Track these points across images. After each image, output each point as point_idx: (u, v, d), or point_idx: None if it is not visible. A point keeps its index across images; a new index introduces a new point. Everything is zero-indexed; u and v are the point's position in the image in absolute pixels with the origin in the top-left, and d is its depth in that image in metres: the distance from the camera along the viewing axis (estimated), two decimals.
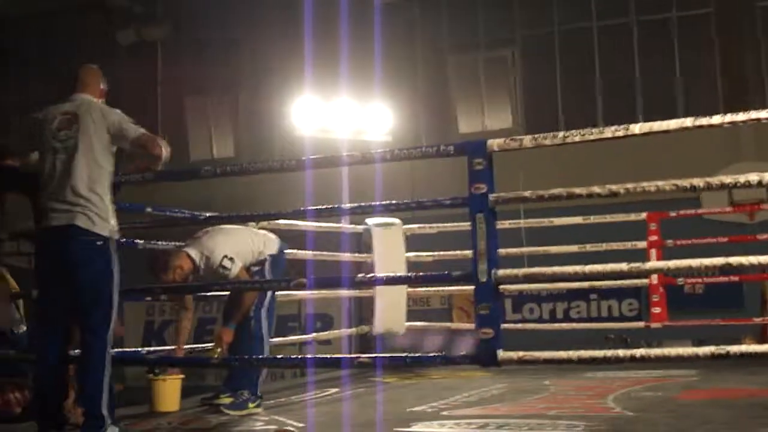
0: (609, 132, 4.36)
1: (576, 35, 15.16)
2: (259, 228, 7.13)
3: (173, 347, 6.98)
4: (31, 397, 6.18)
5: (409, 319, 9.17)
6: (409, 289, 9.40)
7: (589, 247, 8.91)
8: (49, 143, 4.94)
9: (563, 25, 15.24)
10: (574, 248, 8.97)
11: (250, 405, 5.91)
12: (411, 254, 9.18)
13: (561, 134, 4.46)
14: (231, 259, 5.83)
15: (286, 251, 6.51)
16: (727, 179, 4.15)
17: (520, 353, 4.41)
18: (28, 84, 16.61)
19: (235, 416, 5.77)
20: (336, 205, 5.75)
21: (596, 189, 4.38)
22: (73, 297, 4.86)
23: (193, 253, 5.87)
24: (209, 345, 6.76)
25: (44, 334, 5.05)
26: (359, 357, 5.23)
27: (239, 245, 6.05)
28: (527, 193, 4.59)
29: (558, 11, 15.27)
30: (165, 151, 5.02)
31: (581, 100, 14.94)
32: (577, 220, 9.13)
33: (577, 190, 4.42)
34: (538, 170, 11.04)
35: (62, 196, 4.85)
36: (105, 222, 4.88)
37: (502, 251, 4.58)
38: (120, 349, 5.24)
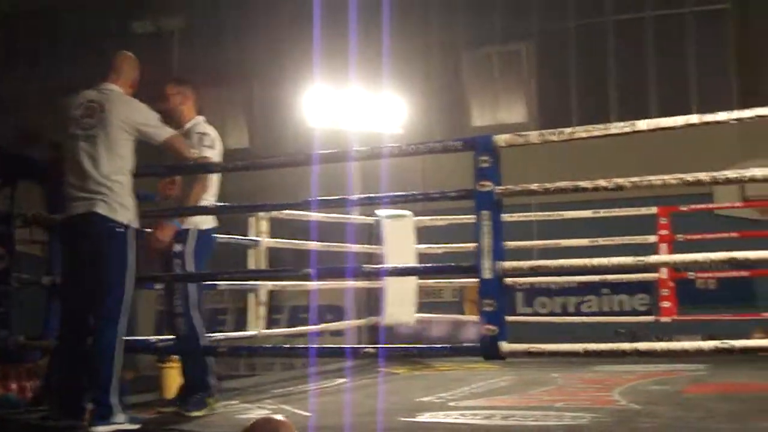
0: (615, 128, 4.39)
1: (590, 30, 15.17)
2: (269, 219, 7.12)
3: None
4: (41, 384, 6.24)
5: (420, 311, 9.20)
6: (421, 281, 9.43)
7: (600, 241, 8.92)
8: (71, 129, 4.99)
9: (578, 19, 15.26)
10: (584, 242, 8.97)
11: (208, 400, 5.46)
12: (422, 246, 9.20)
13: (567, 130, 4.50)
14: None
15: (216, 237, 5.84)
16: (732, 174, 4.17)
17: (525, 345, 4.45)
18: (41, 76, 16.68)
19: (198, 415, 5.31)
20: (345, 197, 5.74)
21: (602, 182, 4.41)
22: (90, 283, 4.90)
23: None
24: None
25: (66, 321, 5.10)
26: (365, 348, 5.23)
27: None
28: (534, 186, 4.62)
29: (572, 6, 15.28)
30: (192, 153, 5.24)
31: (595, 94, 14.93)
32: (587, 213, 9.11)
33: (583, 183, 4.45)
34: (549, 165, 11.04)
35: (84, 184, 4.91)
36: (125, 209, 4.94)
37: (511, 244, 4.61)
38: (131, 337, 5.25)
